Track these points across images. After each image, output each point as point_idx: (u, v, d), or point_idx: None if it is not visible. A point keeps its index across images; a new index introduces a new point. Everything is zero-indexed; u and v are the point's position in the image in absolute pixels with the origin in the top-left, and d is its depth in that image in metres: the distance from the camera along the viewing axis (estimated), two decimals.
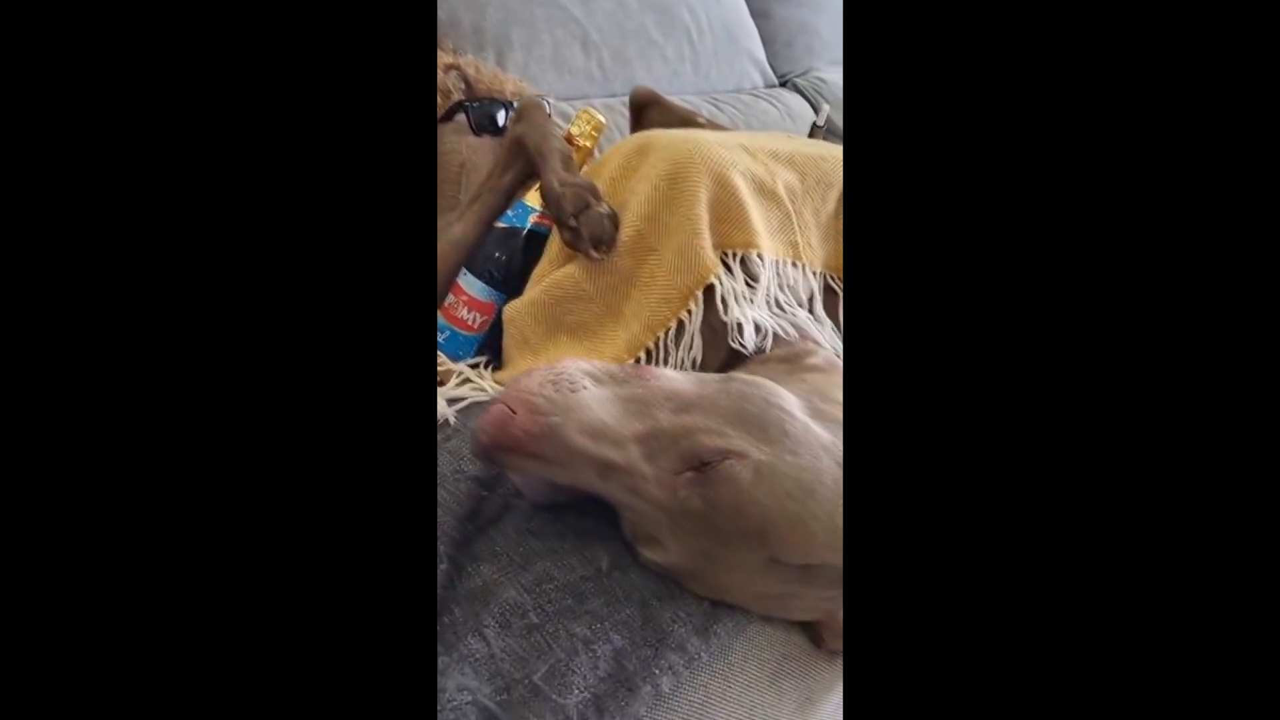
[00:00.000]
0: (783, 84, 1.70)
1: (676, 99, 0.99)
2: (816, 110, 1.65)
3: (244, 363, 0.37)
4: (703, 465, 0.50)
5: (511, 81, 1.14)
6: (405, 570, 0.38)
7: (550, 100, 1.14)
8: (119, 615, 0.35)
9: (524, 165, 0.83)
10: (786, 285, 0.72)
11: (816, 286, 0.74)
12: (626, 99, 1.37)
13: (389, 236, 0.39)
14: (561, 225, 0.71)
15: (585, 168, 0.84)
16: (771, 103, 1.57)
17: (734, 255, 0.70)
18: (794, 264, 0.73)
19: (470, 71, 1.12)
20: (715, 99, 1.50)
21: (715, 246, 0.70)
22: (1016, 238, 0.38)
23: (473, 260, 0.84)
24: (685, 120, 0.93)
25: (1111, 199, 0.37)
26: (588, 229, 0.69)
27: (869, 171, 0.39)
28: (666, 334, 0.70)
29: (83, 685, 0.35)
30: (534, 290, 0.76)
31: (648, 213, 0.71)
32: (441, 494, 0.57)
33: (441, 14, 1.20)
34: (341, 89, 0.39)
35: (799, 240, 0.74)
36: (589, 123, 0.83)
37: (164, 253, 0.37)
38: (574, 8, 1.31)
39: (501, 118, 1.05)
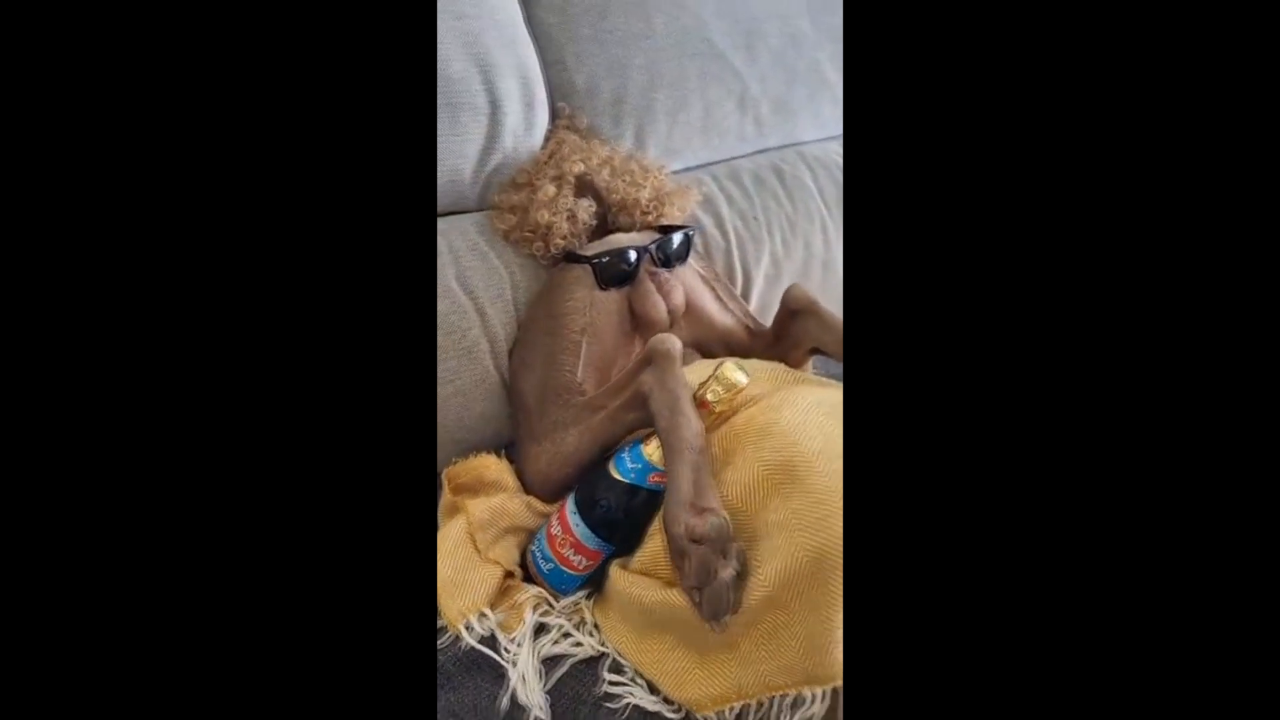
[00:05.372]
0: None
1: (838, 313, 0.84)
2: None
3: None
4: None
5: (651, 181, 0.99)
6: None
7: (693, 232, 0.99)
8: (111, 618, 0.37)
9: (646, 417, 0.73)
10: None
11: None
12: (774, 164, 1.17)
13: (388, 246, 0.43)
14: (680, 578, 0.63)
15: (714, 432, 0.74)
16: None
17: None
18: None
19: (602, 181, 0.98)
20: None
21: None
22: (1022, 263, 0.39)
23: (584, 499, 0.77)
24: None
25: (1108, 212, 0.39)
26: (709, 603, 0.61)
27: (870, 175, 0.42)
28: (783, 698, 0.64)
29: (87, 685, 0.36)
30: (646, 593, 0.69)
31: (784, 581, 0.62)
32: None
33: (579, 82, 1.02)
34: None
35: None
36: (728, 389, 0.71)
37: (162, 287, 0.39)
38: (735, 56, 1.10)
39: (633, 258, 0.92)
